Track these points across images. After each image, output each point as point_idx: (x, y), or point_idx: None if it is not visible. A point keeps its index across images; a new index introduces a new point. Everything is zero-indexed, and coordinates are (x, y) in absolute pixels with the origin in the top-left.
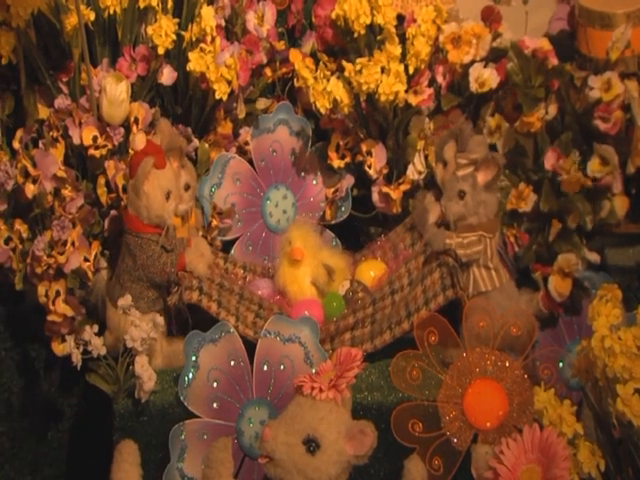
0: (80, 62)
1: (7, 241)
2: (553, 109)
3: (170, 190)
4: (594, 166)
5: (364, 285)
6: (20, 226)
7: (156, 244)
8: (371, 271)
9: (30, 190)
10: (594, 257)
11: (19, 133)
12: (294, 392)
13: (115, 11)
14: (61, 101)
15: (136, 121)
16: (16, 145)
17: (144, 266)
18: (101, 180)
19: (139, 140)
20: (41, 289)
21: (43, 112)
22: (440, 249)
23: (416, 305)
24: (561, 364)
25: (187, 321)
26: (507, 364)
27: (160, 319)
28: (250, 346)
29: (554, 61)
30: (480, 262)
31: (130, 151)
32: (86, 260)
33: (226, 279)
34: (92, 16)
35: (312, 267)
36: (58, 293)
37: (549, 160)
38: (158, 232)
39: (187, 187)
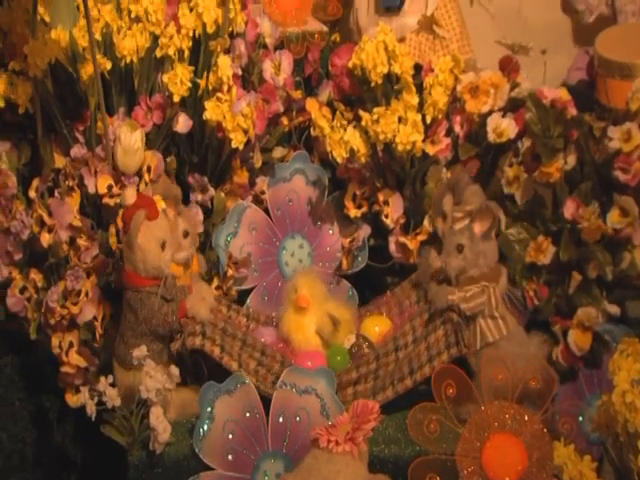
0: (96, 111)
1: (22, 290)
2: (572, 159)
3: (165, 239)
4: (614, 217)
5: (370, 341)
6: (35, 275)
7: (155, 296)
8: (376, 327)
9: (46, 239)
10: (614, 310)
11: (35, 182)
12: (310, 445)
13: (132, 60)
14: (77, 150)
15: (148, 170)
16: (32, 194)
17: (146, 320)
18: (112, 229)
19: (129, 195)
20: (55, 340)
21: (59, 161)
22: (443, 306)
23: (419, 362)
24: (581, 418)
25: (202, 371)
26: (526, 418)
27: (175, 370)
28: (266, 397)
29: (573, 111)
30: (485, 313)
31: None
32: (95, 319)
33: (229, 324)
34: (109, 65)
35: (317, 316)
36: (71, 344)
37: (568, 209)
38: (157, 284)
39: (186, 234)
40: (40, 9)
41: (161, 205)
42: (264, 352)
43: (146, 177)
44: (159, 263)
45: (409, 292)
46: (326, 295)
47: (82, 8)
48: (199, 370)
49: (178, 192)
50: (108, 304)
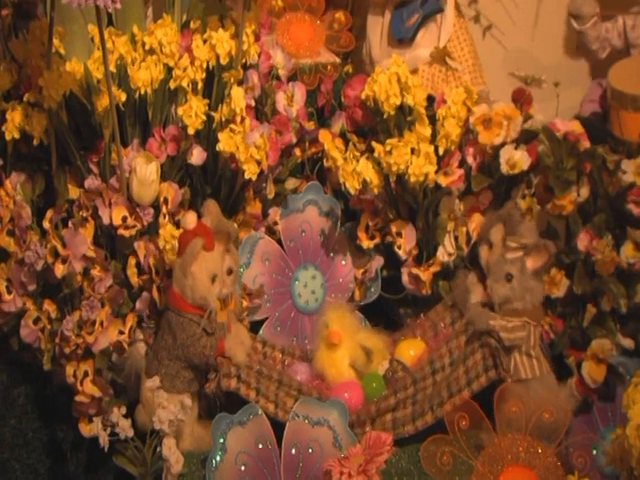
0: (111, 142)
1: (36, 321)
2: (585, 192)
3: (216, 273)
4: (628, 251)
5: (404, 364)
6: (49, 306)
7: (197, 325)
8: (411, 350)
9: (59, 270)
10: (628, 343)
11: (49, 213)
12: (323, 477)
13: (146, 92)
14: (91, 181)
15: (165, 201)
16: (46, 225)
17: (184, 346)
18: (131, 261)
19: (190, 220)
20: (69, 369)
21: (73, 192)
22: (483, 329)
23: (458, 386)
24: (595, 451)
25: (215, 403)
26: (540, 451)
27: (188, 401)
28: (278, 429)
29: (586, 144)
30: (522, 349)
31: (179, 229)
32: (121, 333)
33: (264, 365)
34: (123, 97)
35: (350, 349)
36: (86, 373)
37: (582, 242)
38: (200, 314)
39: (230, 272)
40: (55, 41)
41: None
42: (301, 390)
43: (164, 209)
44: (207, 295)
45: (443, 314)
46: (357, 326)
47: (97, 40)
48: (215, 401)
49: (230, 230)
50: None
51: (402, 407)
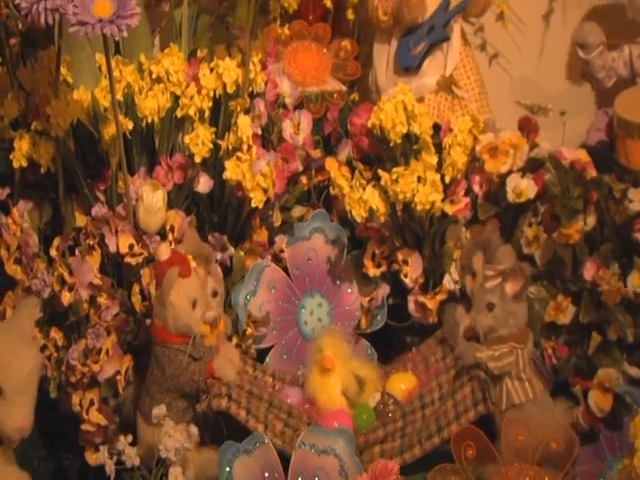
0: (117, 170)
1: (42, 349)
2: (592, 220)
3: (196, 298)
4: (635, 280)
5: (395, 398)
6: (55, 334)
7: (184, 354)
8: (402, 384)
9: (66, 298)
10: (635, 372)
11: (56, 241)
12: None
13: (153, 120)
14: (98, 209)
15: (172, 229)
16: (53, 253)
17: (173, 376)
18: (136, 288)
19: (163, 250)
20: (75, 398)
21: (80, 220)
22: (471, 363)
23: (447, 419)
24: None
25: (221, 430)
26: None
27: (194, 429)
28: (285, 457)
29: (592, 172)
30: (513, 374)
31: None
32: (118, 373)
33: (255, 386)
34: (130, 125)
35: (343, 376)
36: (92, 402)
37: (588, 271)
38: (186, 341)
39: (215, 294)
40: (63, 70)
41: (192, 263)
42: (290, 413)
43: (170, 236)
44: (189, 321)
45: (435, 349)
46: (351, 355)
47: (104, 69)
48: (221, 430)
49: (209, 251)
50: (129, 359)
51: (391, 440)
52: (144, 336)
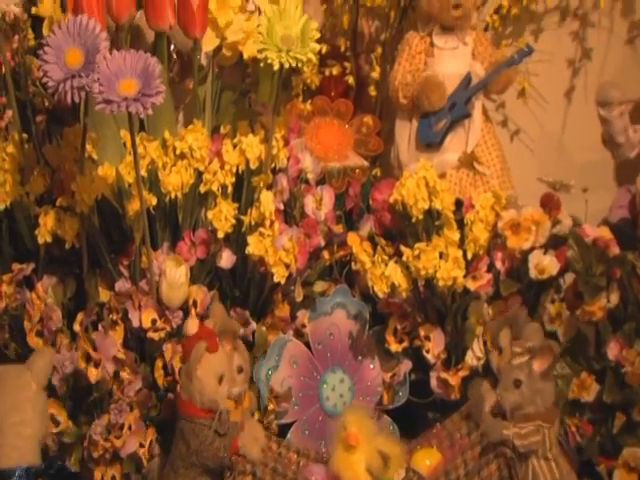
0: (141, 245)
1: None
2: (615, 298)
3: (223, 374)
4: None
5: (420, 474)
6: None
7: (209, 429)
8: (427, 460)
9: (93, 374)
10: None
11: (80, 316)
12: None
13: (176, 196)
14: (122, 284)
15: (194, 304)
16: (77, 328)
17: (197, 451)
18: (159, 363)
19: (191, 325)
20: (97, 473)
21: (104, 295)
22: (497, 440)
23: None
24: None
25: None
26: None
27: None
28: None
29: (615, 250)
30: (539, 453)
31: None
32: (141, 446)
33: (279, 463)
34: (154, 201)
35: (367, 453)
36: (114, 478)
37: (612, 351)
38: (211, 416)
39: (240, 370)
40: (88, 147)
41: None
42: None
43: (193, 311)
44: (215, 396)
45: (460, 424)
46: (375, 431)
47: (129, 145)
48: None
49: (236, 327)
50: (152, 433)
51: None
52: (167, 411)
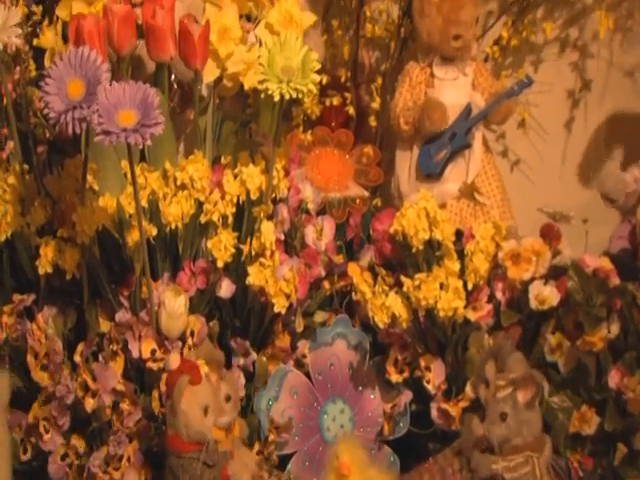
0: (141, 276)
1: (64, 457)
2: (615, 329)
3: (208, 404)
4: None
5: None
6: (77, 441)
7: (197, 461)
8: None
9: (89, 404)
10: None
11: (80, 347)
12: None
13: (177, 226)
14: (122, 315)
15: (192, 334)
16: (77, 359)
17: None
18: (155, 394)
19: (173, 360)
20: None
21: (104, 325)
22: (487, 475)
23: None
24: None
25: None
26: None
27: None
28: None
29: (616, 280)
30: None
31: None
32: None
33: None
34: (154, 231)
35: None
36: None
37: (613, 379)
38: (199, 449)
39: (228, 398)
40: (89, 178)
41: (204, 369)
42: None
43: (189, 341)
44: (201, 428)
45: (452, 460)
46: (367, 462)
47: (129, 176)
48: None
49: (221, 356)
50: (150, 468)
51: None
52: (164, 443)
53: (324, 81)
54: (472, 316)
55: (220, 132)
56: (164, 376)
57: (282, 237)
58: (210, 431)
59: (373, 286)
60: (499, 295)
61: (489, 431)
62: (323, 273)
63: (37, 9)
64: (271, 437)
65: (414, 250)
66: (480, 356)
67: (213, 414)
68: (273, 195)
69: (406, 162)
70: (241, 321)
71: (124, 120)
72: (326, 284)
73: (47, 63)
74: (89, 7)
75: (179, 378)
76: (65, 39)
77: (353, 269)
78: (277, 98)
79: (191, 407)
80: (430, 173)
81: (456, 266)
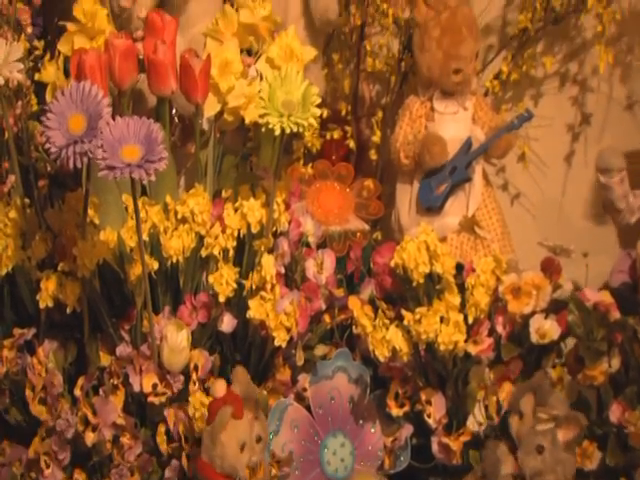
0: (142, 310)
1: None
2: (616, 363)
3: (245, 441)
4: None
5: None
6: (79, 475)
7: None
8: None
9: (90, 438)
10: None
11: (80, 381)
12: None
13: (178, 260)
14: (123, 349)
15: (196, 368)
16: (77, 393)
17: None
18: (161, 428)
19: (219, 387)
20: None
21: (105, 359)
22: None
23: None
24: None
25: None
26: None
27: None
28: None
29: (616, 314)
30: None
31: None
32: None
33: None
34: (155, 265)
35: None
36: None
37: (614, 413)
38: None
39: (259, 439)
40: (90, 212)
41: None
42: None
43: (194, 376)
44: (236, 464)
45: None
46: None
47: (131, 210)
48: None
49: (260, 396)
50: None
51: None
52: (172, 477)
53: (325, 115)
54: (473, 350)
55: (221, 166)
56: (170, 410)
57: (283, 270)
58: (243, 468)
59: (374, 320)
60: (500, 329)
61: (522, 461)
62: (324, 306)
63: (39, 44)
64: (272, 471)
65: (414, 283)
66: (517, 388)
67: (248, 452)
68: (274, 228)
69: (406, 195)
70: (242, 355)
71: (128, 155)
72: (327, 317)
73: (48, 98)
74: (91, 42)
75: (222, 408)
76: (67, 74)
77: (354, 302)
78: (278, 132)
79: (230, 440)
80: (430, 206)
81: (457, 300)
